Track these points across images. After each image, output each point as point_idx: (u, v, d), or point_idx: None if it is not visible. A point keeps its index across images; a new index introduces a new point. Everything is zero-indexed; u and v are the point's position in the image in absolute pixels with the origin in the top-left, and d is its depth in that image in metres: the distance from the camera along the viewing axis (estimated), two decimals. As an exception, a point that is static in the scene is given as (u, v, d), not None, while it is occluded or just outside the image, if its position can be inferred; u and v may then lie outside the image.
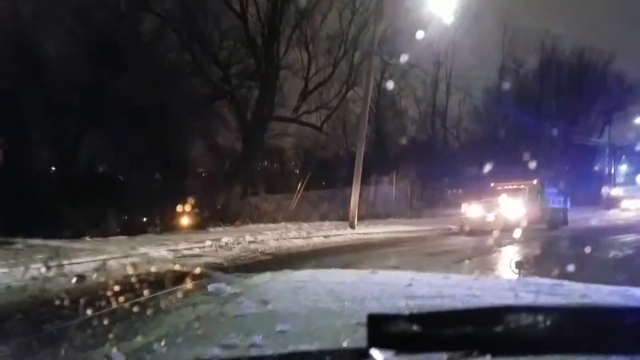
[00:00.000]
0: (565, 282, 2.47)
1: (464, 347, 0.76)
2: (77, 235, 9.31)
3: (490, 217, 18.36)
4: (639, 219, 24.52)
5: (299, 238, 12.72)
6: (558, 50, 40.97)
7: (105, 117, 14.93)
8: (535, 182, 20.63)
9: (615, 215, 26.53)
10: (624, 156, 54.66)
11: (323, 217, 19.17)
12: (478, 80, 31.92)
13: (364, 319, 0.83)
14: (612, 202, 34.84)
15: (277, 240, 11.91)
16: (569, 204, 22.47)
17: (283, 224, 15.10)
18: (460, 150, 32.09)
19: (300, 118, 21.22)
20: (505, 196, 19.87)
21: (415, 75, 26.98)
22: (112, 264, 5.21)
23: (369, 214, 21.51)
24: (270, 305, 1.71)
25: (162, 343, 1.29)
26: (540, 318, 0.74)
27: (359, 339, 1.09)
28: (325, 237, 13.59)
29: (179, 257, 7.45)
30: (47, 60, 14.59)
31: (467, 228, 18.82)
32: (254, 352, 1.22)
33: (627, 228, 19.53)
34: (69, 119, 14.70)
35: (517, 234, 18.16)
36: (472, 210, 19.69)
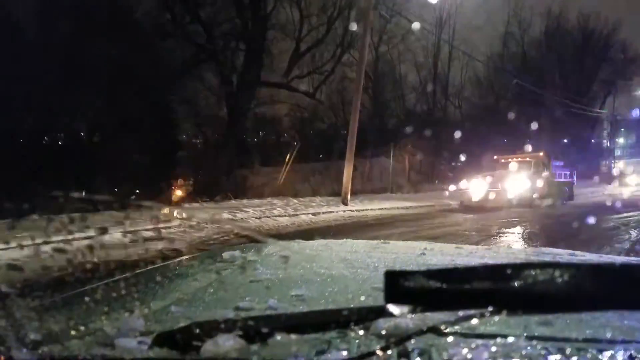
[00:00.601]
0: (579, 252, 2.30)
1: (480, 303, 0.76)
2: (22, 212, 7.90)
3: (493, 193, 17.00)
4: (635, 193, 23.23)
5: (284, 216, 11.26)
6: (564, 17, 39.14)
7: (82, 80, 13.45)
8: (541, 154, 19.21)
9: (617, 190, 25.22)
10: (622, 129, 53.48)
11: (315, 192, 17.70)
12: (481, 47, 29.98)
13: (377, 284, 0.99)
14: (613, 176, 33.62)
15: (260, 218, 10.46)
16: (575, 177, 21.12)
17: (269, 199, 13.62)
18: (461, 121, 30.44)
19: (291, 84, 19.41)
20: (510, 170, 18.47)
21: (415, 39, 25.15)
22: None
23: (365, 189, 20.10)
24: (284, 272, 1.58)
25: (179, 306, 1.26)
26: (557, 274, 0.72)
27: (373, 301, 1.10)
28: (314, 214, 12.13)
29: (132, 241, 5.99)
30: (22, 20, 13.14)
31: (468, 204, 17.47)
32: (269, 313, 1.11)
33: (635, 204, 18.27)
34: (44, 82, 13.15)
35: (522, 210, 16.87)
36: (473, 185, 18.30)
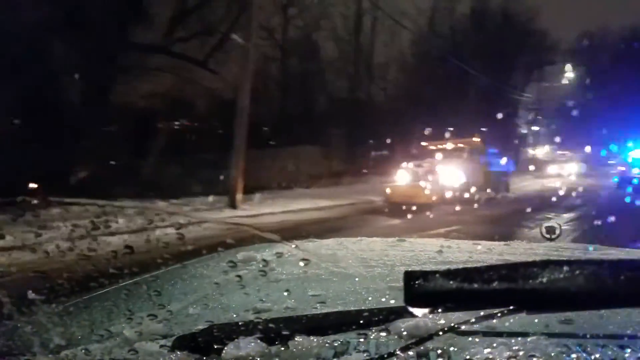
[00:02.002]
0: (600, 247, 1.97)
1: (500, 302, 0.76)
2: None
3: (422, 186, 13.85)
4: (574, 184, 21.33)
5: (122, 233, 7.18)
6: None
7: None
8: (476, 140, 16.41)
9: (548, 180, 23.20)
10: (539, 117, 53.87)
11: (206, 190, 13.56)
12: (407, 23, 26.77)
13: (394, 283, 0.99)
14: (537, 165, 32.30)
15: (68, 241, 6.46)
16: (511, 166, 18.60)
17: (117, 203, 9.46)
18: (387, 105, 27.24)
19: (173, 48, 14.82)
20: (441, 158, 15.46)
21: (331, 3, 21.39)
22: None
23: (273, 185, 16.34)
24: (301, 272, 1.50)
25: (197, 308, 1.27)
26: (577, 271, 0.73)
27: (393, 301, 1.08)
28: (179, 227, 8.14)
29: None
30: None
31: (393, 200, 14.24)
32: (289, 315, 1.08)
33: (574, 194, 16.09)
34: None
35: (457, 207, 13.91)
36: (400, 178, 15.12)
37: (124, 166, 12.92)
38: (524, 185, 21.02)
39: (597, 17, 76.36)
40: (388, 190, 14.65)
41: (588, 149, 35.74)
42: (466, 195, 14.74)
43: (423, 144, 17.02)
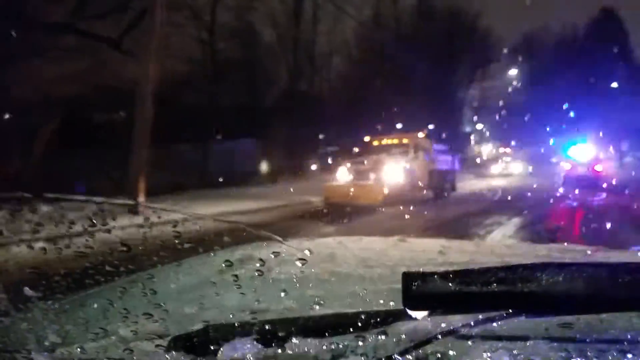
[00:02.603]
0: (603, 248, 1.91)
1: (500, 305, 0.76)
2: None
3: (364, 185, 12.48)
4: (519, 183, 20.75)
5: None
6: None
7: None
8: (421, 135, 15.21)
9: (494, 179, 22.49)
10: (483, 115, 54.44)
11: (116, 190, 11.47)
12: (352, 12, 25.20)
13: (394, 285, 0.90)
14: (482, 163, 32.02)
15: None
16: (458, 165, 17.60)
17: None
18: (333, 98, 25.59)
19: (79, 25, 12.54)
20: (384, 155, 14.15)
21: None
22: None
23: (199, 184, 14.48)
24: (300, 271, 1.45)
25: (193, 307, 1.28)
26: (577, 275, 0.73)
27: (392, 303, 1.07)
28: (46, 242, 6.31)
29: None
30: None
31: (333, 201, 12.81)
32: (286, 316, 1.08)
33: (520, 195, 15.39)
34: None
35: (402, 209, 12.62)
36: (341, 176, 13.69)
37: (5, 163, 10.63)
38: (470, 184, 20.20)
39: (539, 17, 78.52)
40: (326, 190, 13.16)
41: (531, 147, 36.02)
42: (411, 195, 13.54)
43: (366, 139, 15.65)
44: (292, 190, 15.62)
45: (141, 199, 10.03)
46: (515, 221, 10.09)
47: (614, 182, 24.40)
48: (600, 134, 28.78)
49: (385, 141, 15.16)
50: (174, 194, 12.33)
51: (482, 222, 9.95)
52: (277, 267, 1.51)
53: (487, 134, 53.72)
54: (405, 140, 14.87)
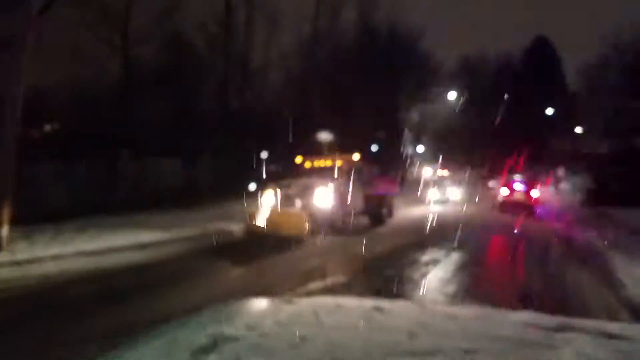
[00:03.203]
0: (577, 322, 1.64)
1: None
2: None
3: (290, 212, 10.92)
4: (458, 211, 19.96)
5: None
6: (373, 16, 36.38)
7: None
8: (356, 157, 13.89)
9: (433, 205, 21.55)
10: (424, 138, 54.72)
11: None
12: (289, 27, 23.75)
13: None
14: (422, 187, 31.27)
15: None
16: (396, 189, 16.41)
17: None
18: (272, 114, 23.86)
19: None
20: (315, 178, 12.69)
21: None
22: None
23: (103, 208, 12.39)
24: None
25: None
26: None
27: None
28: None
29: None
30: None
31: (254, 229, 11.17)
32: None
33: (461, 224, 14.36)
34: None
35: (333, 241, 11.12)
36: (266, 200, 12.05)
37: None
38: (409, 209, 19.10)
39: (477, 43, 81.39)
40: (248, 217, 11.46)
41: (470, 170, 35.96)
42: (345, 222, 12.11)
43: (297, 160, 14.14)
44: (215, 215, 13.84)
45: (4, 231, 7.96)
46: (452, 258, 8.84)
47: (549, 208, 24.32)
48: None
49: (317, 163, 13.72)
50: (61, 222, 10.22)
51: (419, 259, 8.63)
52: (244, 349, 1.28)
53: (429, 156, 54.06)
54: (338, 162, 13.49)
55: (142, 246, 9.32)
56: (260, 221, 11.20)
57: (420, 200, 22.34)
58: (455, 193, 22.76)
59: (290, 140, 19.88)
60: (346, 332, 1.55)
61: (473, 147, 41.44)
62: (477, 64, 47.92)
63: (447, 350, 1.36)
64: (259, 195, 12.26)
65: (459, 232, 12.52)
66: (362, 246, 9.42)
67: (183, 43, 18.33)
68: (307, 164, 13.78)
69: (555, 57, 46.95)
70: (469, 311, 1.84)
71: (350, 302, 1.90)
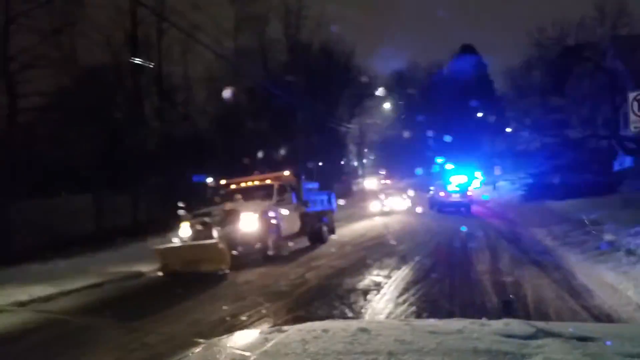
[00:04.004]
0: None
1: None
2: None
3: (208, 245, 9.21)
4: (401, 221, 18.89)
5: None
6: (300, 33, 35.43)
7: None
8: (288, 174, 12.41)
9: (377, 217, 20.26)
10: (365, 150, 54.35)
11: None
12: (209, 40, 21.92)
13: None
14: (366, 198, 30.31)
15: None
16: (335, 204, 15.03)
17: None
18: (205, 138, 21.83)
19: None
20: (241, 201, 11.07)
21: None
22: None
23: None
24: None
25: None
26: None
27: None
28: None
29: None
30: None
31: (168, 268, 9.42)
32: None
33: (406, 238, 13.23)
34: None
35: (260, 269, 9.50)
36: (182, 233, 10.33)
37: None
38: (352, 225, 17.73)
39: (407, 54, 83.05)
40: (161, 255, 9.63)
41: (411, 178, 35.47)
42: (276, 249, 10.52)
43: (222, 182, 12.45)
44: (130, 255, 11.86)
45: None
46: (396, 279, 7.46)
47: (490, 206, 23.89)
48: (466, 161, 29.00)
49: (244, 184, 12.11)
50: None
51: (358, 285, 7.17)
52: None
53: (371, 167, 53.68)
54: (268, 181, 11.94)
55: (21, 304, 7.33)
56: (174, 258, 9.46)
57: (364, 213, 21.09)
58: (399, 202, 21.67)
59: (222, 161, 18.20)
60: (329, 358, 1.43)
61: (412, 155, 41.17)
62: (409, 75, 48.25)
63: None
64: (177, 227, 10.51)
65: (402, 245, 11.27)
66: (292, 277, 7.86)
67: (83, 66, 16.23)
68: (233, 186, 12.13)
69: (481, 64, 48.00)
70: (448, 324, 1.71)
71: (337, 324, 1.80)
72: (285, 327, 1.77)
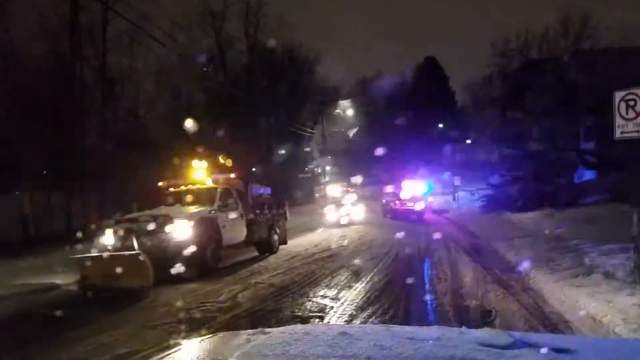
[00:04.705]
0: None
1: None
2: None
3: (133, 258, 7.74)
4: (360, 231, 17.80)
5: None
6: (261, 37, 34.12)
7: None
8: (233, 177, 11.03)
9: (337, 227, 18.91)
10: (330, 156, 53.39)
11: None
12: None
13: None
14: (328, 204, 29.16)
15: None
16: (286, 211, 13.68)
17: None
18: (144, 128, 20.00)
19: None
20: (178, 206, 9.63)
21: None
22: None
23: None
24: None
25: None
26: None
27: None
28: None
29: None
30: None
31: (89, 282, 7.93)
32: None
33: (361, 249, 12.04)
34: None
35: (193, 285, 8.07)
36: (106, 241, 8.83)
37: None
38: (306, 234, 16.40)
39: (371, 64, 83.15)
40: (79, 266, 8.10)
41: (373, 186, 34.65)
42: (214, 261, 9.15)
43: (160, 184, 10.92)
44: (53, 263, 10.19)
45: None
46: (346, 301, 6.25)
47: (449, 217, 23.26)
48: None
49: (183, 187, 10.63)
50: None
51: (301, 309, 5.91)
52: None
53: (336, 175, 52.67)
54: (209, 185, 10.53)
55: None
56: (94, 271, 7.94)
57: (322, 222, 19.82)
58: (357, 211, 20.46)
59: (174, 163, 16.60)
60: None
61: (374, 163, 40.44)
62: (373, 84, 47.78)
63: None
64: (100, 234, 8.97)
65: (356, 259, 10.10)
66: (223, 297, 6.52)
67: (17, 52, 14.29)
68: (172, 190, 10.64)
69: (443, 76, 48.04)
70: (427, 331, 1.68)
71: (319, 328, 1.95)
72: (267, 330, 1.74)
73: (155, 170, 13.60)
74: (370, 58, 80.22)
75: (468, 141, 41.16)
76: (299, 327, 1.75)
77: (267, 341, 1.56)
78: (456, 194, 28.69)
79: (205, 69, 23.90)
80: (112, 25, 16.83)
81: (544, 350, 1.40)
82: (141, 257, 7.39)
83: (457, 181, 28.64)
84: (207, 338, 1.75)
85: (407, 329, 1.86)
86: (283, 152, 32.74)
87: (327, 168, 53.09)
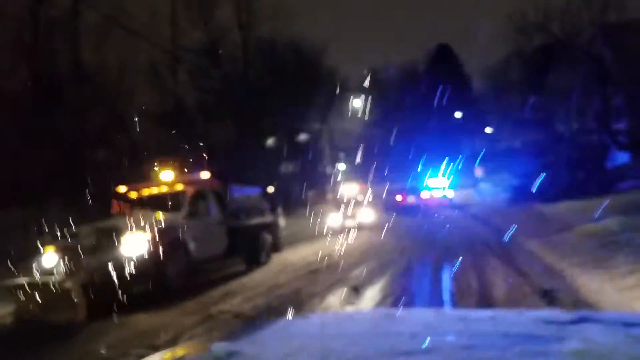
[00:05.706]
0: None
1: None
2: None
3: (72, 284, 6.10)
4: (369, 238, 15.93)
5: None
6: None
7: None
8: (207, 178, 9.26)
9: (336, 230, 16.60)
10: (343, 153, 51.59)
11: None
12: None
13: None
14: (341, 202, 27.25)
15: None
16: (279, 213, 11.84)
17: None
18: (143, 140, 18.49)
19: None
20: (135, 215, 7.93)
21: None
22: None
23: None
24: None
25: None
26: None
27: None
28: None
29: None
30: None
31: (26, 312, 6.31)
32: None
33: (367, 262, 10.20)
34: None
35: (149, 315, 6.30)
36: (46, 262, 7.20)
37: None
38: (308, 241, 14.26)
39: (381, 55, 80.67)
40: (13, 293, 6.51)
41: (388, 183, 32.81)
42: (180, 279, 7.46)
43: (121, 189, 9.23)
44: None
45: None
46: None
47: (474, 211, 21.26)
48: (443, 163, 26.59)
49: (147, 191, 8.94)
50: None
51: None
52: None
53: (352, 173, 50.65)
54: (178, 187, 8.81)
55: None
56: (30, 299, 6.35)
57: (330, 224, 17.79)
58: (367, 214, 17.95)
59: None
60: (346, 339, 1.40)
61: (389, 158, 38.44)
62: (384, 76, 45.77)
63: (446, 348, 1.27)
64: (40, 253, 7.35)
65: (358, 270, 8.23)
66: (164, 337, 4.78)
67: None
68: (134, 194, 8.97)
69: (457, 64, 45.75)
70: (482, 313, 1.64)
71: (363, 313, 1.84)
72: (309, 314, 1.85)
73: (126, 172, 11.99)
74: (379, 47, 77.80)
75: (488, 129, 38.84)
76: (340, 313, 1.76)
77: (305, 325, 1.58)
78: (478, 186, 26.55)
79: (197, 66, 22.38)
80: (84, 19, 15.38)
81: (610, 324, 1.29)
82: (66, 284, 5.72)
83: (478, 172, 26.47)
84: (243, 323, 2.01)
85: (458, 311, 1.96)
86: (291, 152, 31.11)
87: (340, 166, 51.19)
